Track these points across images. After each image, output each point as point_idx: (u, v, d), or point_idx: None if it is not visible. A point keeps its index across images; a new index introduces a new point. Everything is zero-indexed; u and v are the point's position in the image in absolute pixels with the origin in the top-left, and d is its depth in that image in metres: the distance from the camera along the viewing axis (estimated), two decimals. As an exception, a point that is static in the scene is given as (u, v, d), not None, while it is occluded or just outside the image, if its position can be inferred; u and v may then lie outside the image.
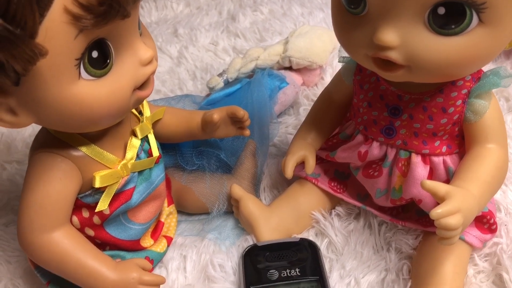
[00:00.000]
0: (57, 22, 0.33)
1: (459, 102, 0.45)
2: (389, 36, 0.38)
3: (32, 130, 0.76)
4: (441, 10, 0.37)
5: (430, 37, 0.38)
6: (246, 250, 0.54)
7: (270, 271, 0.51)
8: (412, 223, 0.53)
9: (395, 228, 0.55)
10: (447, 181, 0.48)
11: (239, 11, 1.05)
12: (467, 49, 0.38)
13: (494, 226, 0.51)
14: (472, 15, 0.36)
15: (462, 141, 0.48)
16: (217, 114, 0.54)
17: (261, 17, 1.03)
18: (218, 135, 0.57)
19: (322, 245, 0.56)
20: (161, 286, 0.49)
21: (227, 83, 0.76)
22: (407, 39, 0.38)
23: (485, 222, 0.50)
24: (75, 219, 0.47)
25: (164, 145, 0.57)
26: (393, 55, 0.39)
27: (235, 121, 0.56)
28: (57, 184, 0.43)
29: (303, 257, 0.52)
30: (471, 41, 0.38)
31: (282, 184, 0.64)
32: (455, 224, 0.39)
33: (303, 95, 0.79)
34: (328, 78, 0.81)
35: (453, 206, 0.39)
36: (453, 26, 0.37)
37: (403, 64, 0.40)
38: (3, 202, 0.65)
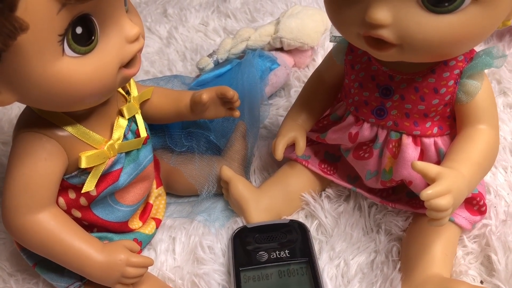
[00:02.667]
0: (38, -5, 0.32)
1: (451, 82, 0.45)
2: (382, 14, 0.38)
3: (18, 110, 0.74)
4: (435, -13, 0.36)
5: (423, 15, 0.37)
6: (235, 231, 0.53)
7: (260, 253, 0.51)
8: (402, 205, 0.53)
9: (385, 210, 0.55)
10: (438, 162, 0.47)
11: (230, -9, 1.03)
12: (460, 27, 0.37)
13: (484, 208, 0.51)
14: (465, -8, 0.36)
15: (454, 123, 0.47)
16: (206, 94, 0.53)
17: (253, -3, 1.01)
18: (208, 116, 0.56)
19: (312, 227, 0.55)
20: (149, 268, 0.49)
21: (217, 64, 0.74)
22: (400, 17, 0.38)
23: (474, 204, 0.50)
24: (61, 200, 0.46)
25: (152, 126, 0.56)
26: (385, 34, 0.39)
27: (225, 101, 0.55)
28: (42, 164, 0.42)
29: (293, 239, 0.52)
30: (465, 19, 0.37)
31: (272, 166, 0.63)
32: (445, 205, 0.38)
33: (294, 76, 0.78)
34: (319, 60, 0.80)
35: (444, 187, 0.39)
36: (446, 4, 0.36)
37: (395, 42, 0.39)
38: (-11, 184, 0.64)
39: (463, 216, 0.50)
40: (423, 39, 0.38)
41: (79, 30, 0.36)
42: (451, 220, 0.49)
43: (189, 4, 1.02)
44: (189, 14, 0.97)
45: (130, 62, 0.41)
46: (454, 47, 0.40)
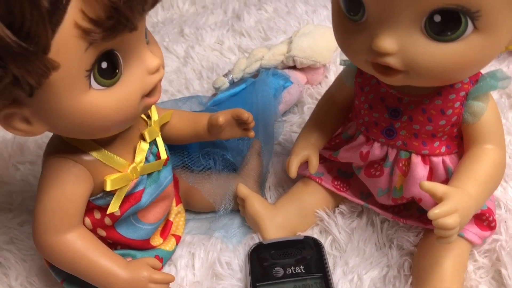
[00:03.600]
0: (68, 36, 0.34)
1: (457, 104, 0.46)
2: (388, 43, 0.40)
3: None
4: (437, 18, 0.38)
5: (427, 43, 0.39)
6: (252, 248, 0.55)
7: (276, 269, 0.53)
8: (413, 220, 0.55)
9: (397, 226, 0.57)
10: (447, 180, 0.49)
11: (244, 9, 1.06)
12: (463, 55, 0.39)
13: (493, 224, 0.52)
14: (467, 22, 0.37)
15: (461, 142, 0.49)
16: (222, 117, 0.55)
17: (266, 15, 1.04)
18: (224, 137, 0.59)
19: (326, 243, 0.57)
20: (170, 284, 0.51)
21: (233, 83, 0.77)
22: (405, 46, 0.40)
23: (484, 219, 0.52)
24: (87, 220, 0.49)
25: (171, 146, 0.59)
26: (392, 61, 0.40)
27: (240, 123, 0.57)
28: (70, 188, 0.45)
29: (308, 255, 0.54)
30: (467, 47, 0.39)
31: (287, 183, 0.65)
32: (452, 224, 0.40)
33: (307, 93, 0.80)
34: (332, 77, 0.82)
35: (451, 207, 0.40)
36: (449, 33, 0.38)
37: (401, 69, 0.41)
38: (18, 202, 0.67)
39: (473, 232, 0.51)
40: (428, 66, 0.40)
41: (104, 65, 0.39)
42: (461, 236, 0.51)
43: (205, 23, 1.05)
44: (205, 33, 1.00)
45: (151, 91, 0.43)
46: (457, 73, 0.41)
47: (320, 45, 0.78)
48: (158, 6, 1.14)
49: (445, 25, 0.38)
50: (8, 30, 0.31)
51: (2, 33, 0.31)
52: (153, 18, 1.11)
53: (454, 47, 0.39)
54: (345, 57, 0.51)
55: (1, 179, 0.71)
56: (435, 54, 0.39)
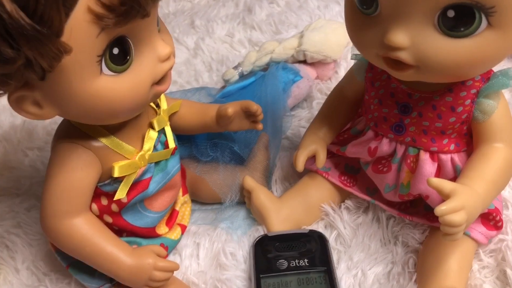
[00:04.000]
0: (81, 21, 0.35)
1: (468, 101, 0.46)
2: (400, 37, 0.39)
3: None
4: (451, 13, 0.38)
5: (439, 38, 0.39)
6: (256, 239, 0.56)
7: (280, 261, 0.53)
8: (419, 218, 0.55)
9: (403, 223, 0.57)
10: (455, 178, 0.49)
11: (256, 3, 1.05)
12: (476, 51, 0.39)
13: (500, 223, 0.52)
14: (481, 18, 0.37)
15: (470, 140, 0.49)
16: (231, 108, 0.55)
17: (277, 9, 1.04)
18: (232, 128, 0.59)
19: (331, 237, 0.57)
20: (175, 272, 0.51)
21: (242, 76, 0.77)
22: (417, 41, 0.39)
23: (491, 219, 0.52)
24: (94, 206, 0.49)
25: (180, 137, 0.59)
26: (403, 56, 0.40)
27: (249, 115, 0.57)
28: (78, 173, 0.45)
29: (312, 248, 0.54)
30: (480, 44, 0.38)
31: (293, 177, 0.65)
32: (458, 221, 0.40)
33: (316, 88, 0.80)
34: (342, 72, 0.82)
35: (457, 204, 0.40)
36: (462, 29, 0.38)
37: (412, 64, 0.41)
38: (26, 187, 0.68)
39: (479, 231, 0.51)
40: (439, 61, 0.40)
41: (115, 50, 0.39)
42: (467, 234, 0.51)
43: (216, 15, 1.05)
44: (216, 26, 1.00)
45: (162, 79, 0.44)
46: (469, 70, 0.41)
47: (332, 40, 0.78)
48: (169, -3, 1.14)
49: (459, 20, 0.38)
50: (22, 12, 0.31)
51: (16, 15, 0.31)
52: (164, 9, 1.11)
53: (467, 43, 0.38)
54: (356, 51, 0.51)
55: (10, 164, 0.72)
56: (447, 50, 0.39)
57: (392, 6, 0.39)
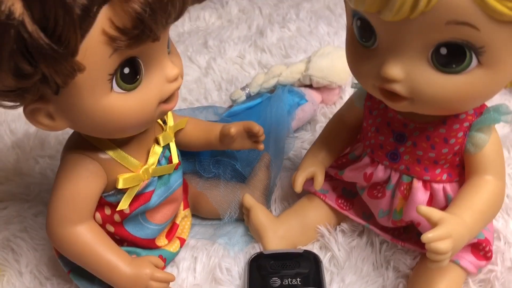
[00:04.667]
0: (95, 42, 0.37)
1: (461, 134, 0.48)
2: (395, 70, 0.42)
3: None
4: (443, 50, 0.40)
5: (432, 73, 0.41)
6: (252, 256, 0.57)
7: (273, 279, 0.54)
8: (411, 244, 0.56)
9: (395, 248, 0.58)
10: (446, 207, 0.50)
11: (268, 26, 1.09)
12: (466, 87, 0.41)
13: (490, 254, 0.53)
14: (471, 56, 0.39)
15: (463, 171, 0.50)
16: (234, 128, 0.58)
17: (288, 33, 1.07)
18: (235, 147, 0.61)
19: (325, 258, 0.59)
20: (171, 284, 0.53)
21: (249, 97, 0.79)
22: (411, 74, 0.41)
23: (481, 249, 0.53)
24: (98, 215, 0.52)
25: (184, 153, 0.61)
26: (398, 88, 0.42)
27: (251, 135, 0.60)
28: (84, 183, 0.48)
29: (306, 268, 0.56)
30: (470, 81, 0.40)
31: (292, 197, 0.67)
32: (444, 249, 0.41)
33: (321, 112, 0.82)
34: (346, 98, 0.83)
35: (444, 232, 0.42)
36: (454, 66, 0.40)
37: (406, 96, 0.43)
38: (35, 194, 0.70)
39: (469, 260, 0.52)
40: (432, 95, 0.42)
41: (126, 70, 0.41)
42: (456, 263, 0.52)
43: (229, 37, 1.08)
44: (228, 47, 1.03)
45: (168, 98, 0.46)
46: (460, 104, 0.43)
47: (338, 67, 0.80)
48: (185, 17, 1.18)
49: (451, 57, 0.40)
50: (42, 33, 0.34)
51: (36, 35, 0.34)
52: (179, 28, 1.15)
53: (458, 79, 0.40)
54: (356, 80, 0.54)
55: (21, 170, 0.75)
56: (440, 85, 0.41)
57: (389, 41, 0.42)
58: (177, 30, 1.14)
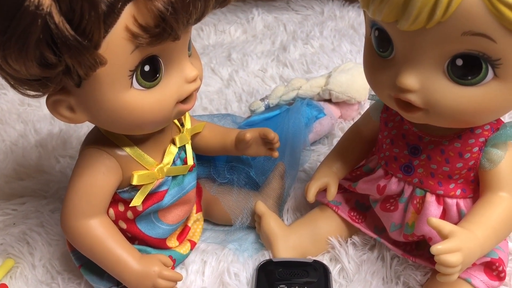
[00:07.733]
0: (118, 37, 0.39)
1: (476, 149, 0.48)
2: (410, 80, 0.42)
3: (87, 129, 0.83)
4: (459, 62, 0.40)
5: (447, 85, 0.41)
6: (261, 263, 0.57)
7: (281, 286, 0.54)
8: (423, 260, 0.55)
9: (406, 263, 0.57)
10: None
11: (291, 42, 1.10)
12: (482, 100, 0.41)
13: (503, 274, 0.52)
14: (487, 69, 0.39)
15: (477, 187, 0.50)
16: (249, 134, 0.58)
17: (311, 50, 1.08)
18: (249, 153, 0.62)
19: (334, 270, 0.58)
20: (179, 285, 0.53)
21: (268, 108, 0.80)
22: (427, 85, 0.42)
23: (494, 269, 0.52)
24: (111, 211, 0.53)
25: (200, 157, 0.62)
26: (413, 98, 0.43)
27: (266, 142, 0.60)
28: (100, 177, 0.49)
29: (314, 278, 0.55)
30: (486, 93, 0.40)
31: (305, 208, 0.67)
32: (453, 262, 0.41)
33: (339, 127, 0.82)
34: (365, 114, 0.84)
35: (454, 245, 0.41)
36: (469, 77, 0.40)
37: (421, 107, 0.43)
38: (53, 191, 0.72)
39: (481, 279, 0.51)
40: (446, 106, 0.42)
41: (147, 68, 0.43)
42: (468, 281, 0.51)
43: (252, 51, 1.10)
44: (251, 60, 1.04)
45: (186, 99, 0.47)
46: (475, 117, 0.43)
47: (358, 83, 0.81)
48: (211, 30, 1.21)
49: (467, 69, 0.40)
50: (68, 24, 0.36)
51: (62, 26, 0.35)
52: (205, 41, 1.18)
53: (474, 91, 0.40)
54: (374, 92, 0.54)
55: (42, 168, 0.77)
56: (455, 96, 0.41)
57: (406, 51, 0.42)
58: (202, 42, 1.17)
